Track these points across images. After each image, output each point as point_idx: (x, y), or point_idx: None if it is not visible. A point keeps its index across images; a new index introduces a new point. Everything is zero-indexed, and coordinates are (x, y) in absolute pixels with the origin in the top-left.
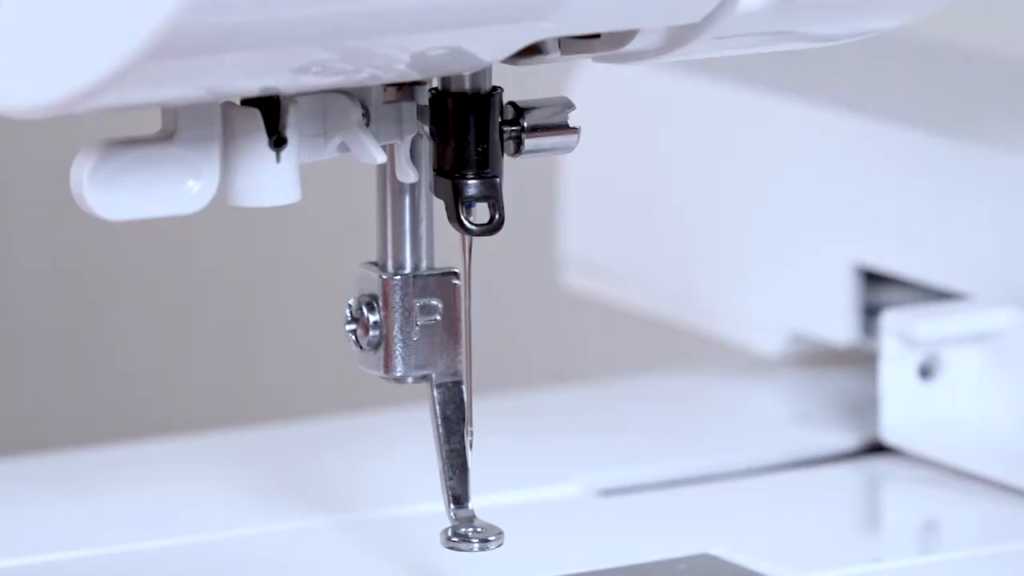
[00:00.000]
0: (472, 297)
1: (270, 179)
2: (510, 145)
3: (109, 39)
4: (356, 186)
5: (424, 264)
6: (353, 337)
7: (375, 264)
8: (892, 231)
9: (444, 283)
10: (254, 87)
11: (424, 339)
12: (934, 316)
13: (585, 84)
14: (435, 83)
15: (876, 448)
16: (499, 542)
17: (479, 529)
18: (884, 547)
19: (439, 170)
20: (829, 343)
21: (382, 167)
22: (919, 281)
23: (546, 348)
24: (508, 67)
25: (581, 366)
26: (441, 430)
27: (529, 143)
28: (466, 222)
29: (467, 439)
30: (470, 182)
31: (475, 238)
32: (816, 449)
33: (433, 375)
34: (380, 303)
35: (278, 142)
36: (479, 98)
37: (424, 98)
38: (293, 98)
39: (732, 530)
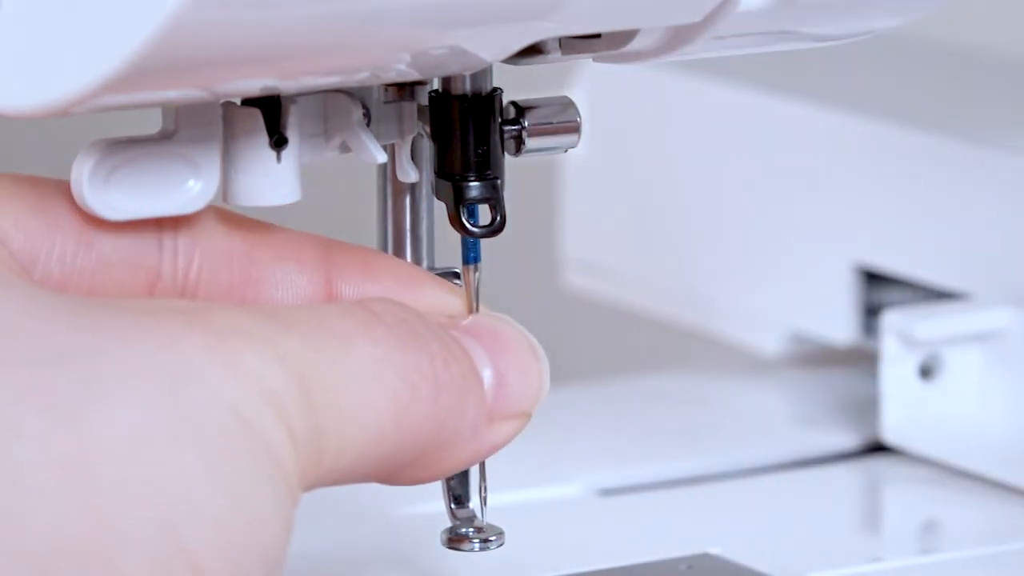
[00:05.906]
0: None
1: (270, 179)
2: (511, 145)
3: (109, 39)
4: (356, 186)
5: (424, 264)
6: None
7: None
8: (892, 231)
9: None
10: (254, 87)
11: None
12: (934, 316)
13: (585, 84)
14: (435, 83)
15: (876, 448)
16: (499, 542)
17: (479, 529)
18: (884, 547)
19: (440, 172)
20: (829, 343)
21: (382, 167)
22: (919, 281)
23: (546, 348)
24: (508, 67)
25: (581, 366)
26: None
27: (530, 142)
28: (468, 224)
29: None
30: (471, 184)
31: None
32: (816, 449)
33: None
34: None
35: (278, 142)
36: (479, 100)
37: (425, 98)
38: (293, 98)
39: (732, 530)
